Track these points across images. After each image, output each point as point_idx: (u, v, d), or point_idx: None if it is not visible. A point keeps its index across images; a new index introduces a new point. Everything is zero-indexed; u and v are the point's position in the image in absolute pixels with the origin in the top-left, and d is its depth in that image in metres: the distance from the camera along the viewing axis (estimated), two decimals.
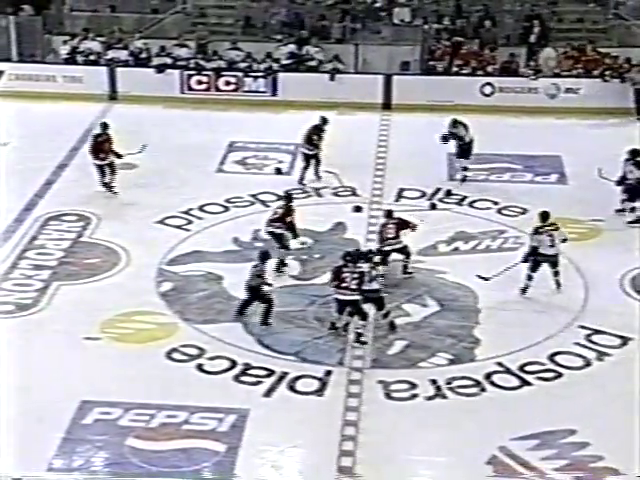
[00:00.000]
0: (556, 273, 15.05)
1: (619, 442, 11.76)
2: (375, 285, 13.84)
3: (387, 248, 15.39)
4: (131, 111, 22.65)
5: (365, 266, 13.87)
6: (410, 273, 15.56)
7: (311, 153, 18.95)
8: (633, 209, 17.21)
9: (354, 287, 13.62)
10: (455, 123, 19.16)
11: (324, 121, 19.09)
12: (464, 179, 18.94)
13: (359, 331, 13.77)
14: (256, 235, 16.79)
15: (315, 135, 18.91)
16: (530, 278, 14.96)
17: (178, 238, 16.62)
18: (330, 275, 14.01)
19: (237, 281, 15.02)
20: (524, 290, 14.99)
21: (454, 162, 19.48)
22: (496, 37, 24.38)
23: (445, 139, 18.95)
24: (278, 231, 15.80)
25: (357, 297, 13.69)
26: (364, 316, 13.80)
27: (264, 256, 14.50)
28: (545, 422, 12.10)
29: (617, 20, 24.90)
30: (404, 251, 15.55)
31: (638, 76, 22.42)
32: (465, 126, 19.14)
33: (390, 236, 15.46)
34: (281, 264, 15.68)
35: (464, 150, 19.10)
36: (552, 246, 14.90)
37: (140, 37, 24.42)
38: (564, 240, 15.06)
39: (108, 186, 18.22)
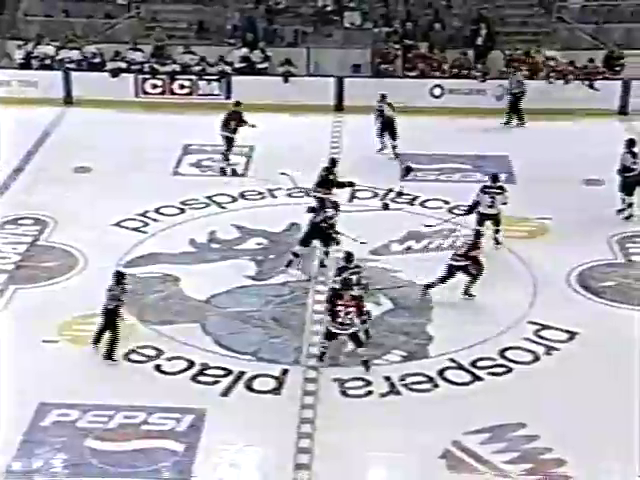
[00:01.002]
0: (497, 231, 16.38)
1: (567, 434, 11.89)
2: (360, 292, 13.62)
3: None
4: (86, 115, 22.46)
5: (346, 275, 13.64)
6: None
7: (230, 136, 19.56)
8: (631, 204, 17.23)
9: (349, 322, 13.05)
10: (383, 98, 19.79)
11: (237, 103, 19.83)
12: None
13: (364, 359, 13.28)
14: (212, 236, 16.74)
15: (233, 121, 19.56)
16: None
17: (135, 240, 16.51)
18: (326, 304, 13.52)
19: (194, 282, 14.98)
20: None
21: (378, 139, 20.09)
22: (445, 40, 24.49)
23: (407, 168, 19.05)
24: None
25: (351, 330, 13.14)
26: (360, 344, 13.27)
27: (119, 277, 13.53)
28: (496, 416, 12.20)
29: (561, 24, 25.13)
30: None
31: (514, 78, 22.49)
32: (390, 105, 19.82)
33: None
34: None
35: (386, 126, 19.76)
36: (491, 206, 16.23)
37: (94, 42, 24.18)
38: (504, 203, 16.32)
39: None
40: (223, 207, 18.00)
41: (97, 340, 13.50)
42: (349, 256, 14.13)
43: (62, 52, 23.73)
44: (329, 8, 25.54)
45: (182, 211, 17.75)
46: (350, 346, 13.31)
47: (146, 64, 23.75)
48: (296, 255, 15.71)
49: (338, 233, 15.66)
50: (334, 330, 13.15)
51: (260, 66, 23.78)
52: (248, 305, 14.69)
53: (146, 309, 14.59)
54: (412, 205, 18.20)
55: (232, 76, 23.20)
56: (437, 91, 23.18)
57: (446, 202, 18.21)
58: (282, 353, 13.59)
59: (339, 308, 13.01)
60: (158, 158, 19.95)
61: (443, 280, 14.79)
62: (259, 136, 20.65)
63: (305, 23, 25.27)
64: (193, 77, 23.51)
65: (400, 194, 18.52)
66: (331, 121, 22.53)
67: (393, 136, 20.21)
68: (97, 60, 23.84)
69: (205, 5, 25.80)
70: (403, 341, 13.86)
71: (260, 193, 18.59)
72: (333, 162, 17.75)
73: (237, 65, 23.74)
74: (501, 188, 16.54)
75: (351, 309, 13.02)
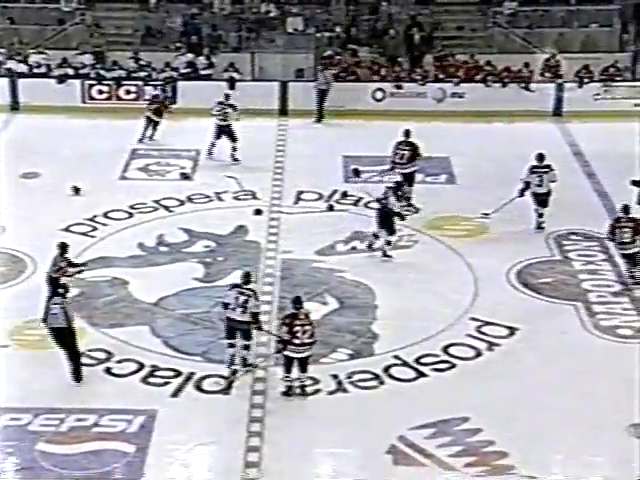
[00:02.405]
0: (540, 215, 16.82)
1: (509, 427, 12.01)
2: (244, 317, 12.84)
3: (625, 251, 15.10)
4: (33, 121, 22.18)
5: (232, 293, 12.87)
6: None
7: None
8: (541, 215, 17.14)
9: (307, 341, 12.48)
10: (227, 98, 20.13)
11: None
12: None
13: (301, 384, 12.70)
14: (160, 240, 16.63)
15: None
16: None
17: (83, 245, 16.33)
18: (281, 326, 12.63)
19: (143, 285, 14.86)
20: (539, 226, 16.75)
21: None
22: (388, 44, 24.60)
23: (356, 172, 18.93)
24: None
25: (309, 353, 12.57)
26: (306, 368, 12.62)
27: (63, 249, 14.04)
28: (440, 411, 12.27)
29: (496, 28, 25.38)
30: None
31: (322, 75, 22.71)
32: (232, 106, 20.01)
33: (627, 240, 15.07)
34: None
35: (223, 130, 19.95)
36: (540, 185, 16.66)
37: (39, 51, 23.86)
38: (553, 181, 16.74)
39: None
40: (171, 211, 17.89)
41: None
42: (247, 276, 13.18)
43: (9, 63, 23.36)
44: (272, 14, 25.53)
45: (130, 215, 17.61)
46: (294, 372, 12.56)
47: (92, 70, 23.51)
48: (376, 236, 16.02)
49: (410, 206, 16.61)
50: (293, 355, 12.45)
51: (205, 72, 23.67)
52: (196, 307, 14.61)
53: (96, 312, 14.45)
54: (356, 206, 18.24)
55: (178, 81, 23.04)
56: (379, 94, 23.26)
57: None
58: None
59: (297, 329, 12.36)
60: (106, 163, 19.76)
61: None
62: (205, 140, 20.60)
63: (249, 29, 25.22)
64: (139, 83, 23.33)
65: (344, 195, 18.55)
66: (275, 125, 22.52)
67: (233, 139, 19.95)
68: (42, 70, 23.54)
69: (149, 11, 25.68)
70: (349, 340, 13.88)
71: (207, 196, 18.51)
72: (407, 133, 18.19)
73: (182, 70, 23.60)
74: (548, 167, 16.84)
75: (308, 327, 12.41)
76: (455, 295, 15.08)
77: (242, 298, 12.83)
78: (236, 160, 19.95)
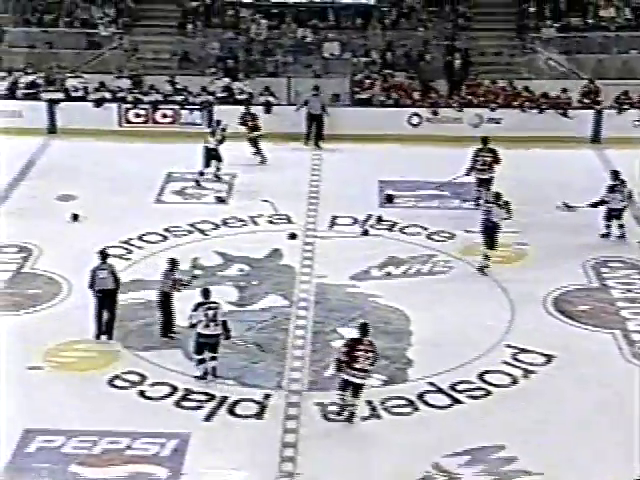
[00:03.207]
0: (621, 226, 17.65)
1: (544, 456, 11.89)
2: (217, 329, 13.30)
3: None
4: (70, 144, 22.45)
5: (200, 311, 13.23)
6: None
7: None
8: (622, 225, 17.72)
9: (368, 368, 12.55)
10: (218, 124, 20.72)
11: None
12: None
13: (351, 409, 12.70)
14: (195, 263, 16.72)
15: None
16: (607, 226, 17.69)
17: (119, 267, 16.41)
18: (342, 350, 12.68)
19: (177, 308, 14.91)
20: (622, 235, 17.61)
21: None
22: (424, 70, 24.66)
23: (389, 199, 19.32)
24: None
25: (368, 381, 12.63)
26: (359, 394, 12.66)
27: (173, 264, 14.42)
28: (476, 439, 12.20)
29: (534, 54, 25.36)
30: None
31: (313, 99, 22.73)
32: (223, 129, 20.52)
33: None
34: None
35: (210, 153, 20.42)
36: (622, 200, 17.55)
37: (77, 75, 24.14)
38: (630, 197, 17.85)
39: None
40: (206, 234, 18.00)
41: (165, 332, 14.17)
42: (206, 292, 13.53)
43: (45, 95, 23.61)
44: (308, 39, 25.70)
45: (165, 238, 17.74)
46: (348, 396, 12.62)
47: (129, 94, 23.78)
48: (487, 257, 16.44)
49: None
50: (352, 379, 12.47)
51: (240, 96, 23.85)
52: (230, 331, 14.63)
53: (130, 335, 14.54)
54: (391, 231, 18.25)
55: (214, 105, 23.22)
56: (415, 119, 23.31)
57: (425, 228, 18.27)
58: (264, 378, 13.56)
59: (359, 353, 12.43)
60: (141, 186, 19.94)
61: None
62: (240, 164, 20.75)
63: (285, 53, 25.41)
64: (175, 107, 23.55)
65: (380, 220, 18.57)
66: (311, 148, 22.61)
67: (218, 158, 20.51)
68: (79, 94, 23.82)
69: (186, 36, 25.95)
70: (384, 365, 13.82)
71: (242, 220, 18.61)
72: (486, 140, 19.22)
73: (218, 95, 23.80)
74: (623, 181, 17.79)
75: (371, 354, 12.49)
76: (491, 321, 15.01)
77: (211, 312, 13.29)
78: (219, 178, 20.44)
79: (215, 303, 13.47)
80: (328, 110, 22.81)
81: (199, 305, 13.43)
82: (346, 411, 12.64)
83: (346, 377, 12.52)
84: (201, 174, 20.46)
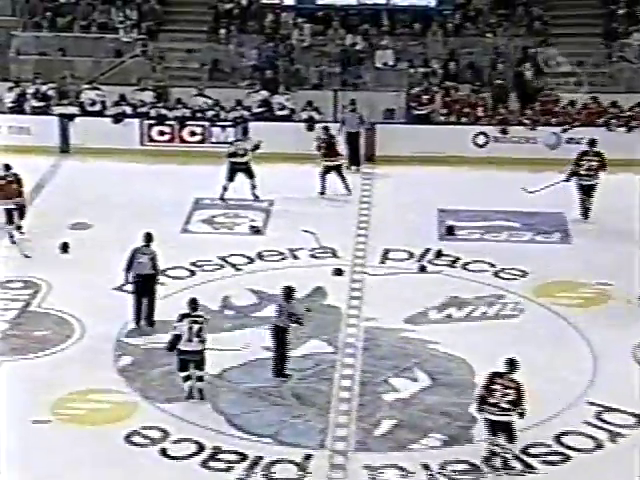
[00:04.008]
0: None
1: None
2: (200, 345, 14.02)
3: None
4: (85, 166, 22.76)
5: (184, 323, 13.95)
6: None
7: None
8: None
9: (504, 405, 12.71)
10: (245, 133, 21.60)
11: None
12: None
13: (503, 454, 12.88)
14: (226, 302, 16.80)
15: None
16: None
17: None
18: (481, 385, 13.05)
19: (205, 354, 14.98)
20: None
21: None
22: (496, 83, 24.68)
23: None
24: None
25: (510, 418, 12.80)
26: (513, 438, 12.88)
27: (289, 292, 14.73)
28: None
29: (623, 63, 25.24)
30: None
31: (350, 115, 22.91)
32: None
33: None
34: None
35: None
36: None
37: (94, 86, 24.43)
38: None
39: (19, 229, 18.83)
40: (238, 269, 18.09)
41: (279, 372, 14.51)
42: (194, 302, 14.32)
43: (57, 109, 24.00)
44: (358, 46, 25.84)
45: (192, 273, 17.86)
46: (501, 439, 12.82)
47: (153, 109, 24.02)
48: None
49: None
50: (490, 417, 12.75)
51: (280, 112, 24.02)
52: (266, 380, 14.68)
53: (150, 384, 14.60)
54: (453, 267, 18.22)
55: (249, 122, 23.42)
56: (481, 139, 23.32)
57: (491, 265, 18.22)
58: (305, 435, 13.56)
59: (496, 387, 12.69)
60: (166, 213, 20.11)
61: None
62: (279, 190, 20.85)
63: (331, 63, 25.57)
64: (205, 123, 23.75)
65: (439, 255, 18.54)
66: (360, 172, 22.69)
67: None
68: (96, 108, 24.14)
69: (219, 43, 26.19)
70: (443, 423, 13.77)
71: (280, 253, 18.68)
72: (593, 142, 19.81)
73: (255, 110, 23.99)
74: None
75: (510, 391, 12.63)
76: (570, 374, 14.89)
77: (196, 327, 13.93)
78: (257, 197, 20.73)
79: (201, 317, 14.14)
80: (371, 125, 23.06)
81: (184, 316, 14.03)
82: (497, 458, 12.76)
83: (486, 415, 12.79)
84: (224, 189, 20.79)
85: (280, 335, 14.64)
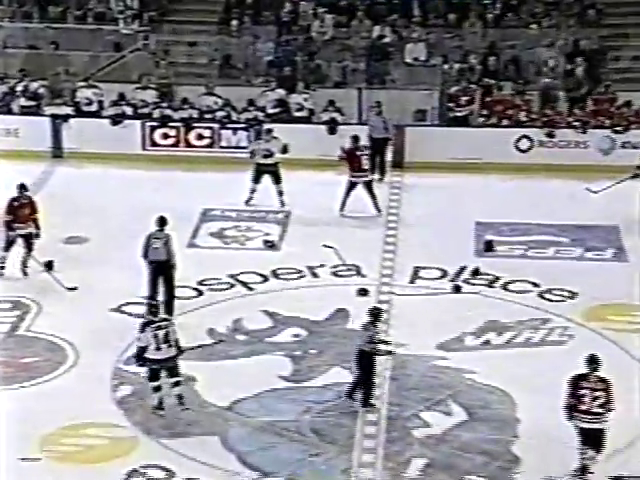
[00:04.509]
0: None
1: None
2: (170, 351, 14.46)
3: None
4: (80, 172, 22.87)
5: (148, 333, 14.36)
6: None
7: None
8: None
9: (597, 410, 12.97)
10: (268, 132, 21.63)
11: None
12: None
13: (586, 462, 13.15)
14: (237, 326, 16.84)
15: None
16: None
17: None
18: (567, 392, 13.22)
19: (213, 383, 15.01)
20: None
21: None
22: (545, 81, 24.68)
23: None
24: None
25: (603, 425, 13.05)
26: (601, 446, 13.10)
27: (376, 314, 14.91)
28: None
29: None
30: None
31: (374, 119, 22.93)
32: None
33: None
34: None
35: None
36: None
37: (90, 84, 24.54)
38: None
39: (24, 265, 18.44)
40: (251, 288, 18.14)
41: (350, 394, 14.69)
42: (154, 307, 14.96)
43: (49, 109, 24.14)
44: (386, 39, 25.89)
45: (199, 293, 17.93)
46: (590, 452, 13.04)
47: (156, 109, 24.11)
48: None
49: None
50: (581, 424, 12.97)
51: (299, 112, 24.09)
52: (282, 414, 14.70)
53: (152, 418, 14.62)
54: (492, 287, 18.24)
55: (264, 124, 23.50)
56: (524, 143, 23.33)
57: (536, 284, 18.22)
58: (326, 476, 13.57)
59: (583, 392, 12.92)
60: (170, 226, 20.07)
61: None
62: (297, 200, 20.90)
63: (356, 58, 25.64)
64: (215, 125, 23.86)
65: (476, 273, 18.56)
66: (387, 181, 22.75)
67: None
68: (93, 108, 24.26)
69: (230, 35, 26.26)
70: (481, 463, 13.76)
71: (298, 271, 18.74)
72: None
73: (270, 111, 24.07)
74: None
75: (600, 393, 12.92)
76: (625, 410, 14.77)
77: (162, 333, 14.45)
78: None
79: (165, 321, 14.68)
80: (398, 129, 23.17)
81: (146, 325, 14.58)
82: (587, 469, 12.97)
83: (577, 423, 12.96)
84: (253, 191, 21.20)
85: (366, 361, 14.70)
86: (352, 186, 21.06)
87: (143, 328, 14.56)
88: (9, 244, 18.53)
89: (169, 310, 16.59)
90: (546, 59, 25.02)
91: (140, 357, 14.56)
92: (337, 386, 15.35)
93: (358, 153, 21.14)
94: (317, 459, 13.86)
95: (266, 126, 22.51)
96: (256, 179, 21.25)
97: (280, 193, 21.22)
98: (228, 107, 24.19)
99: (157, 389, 14.54)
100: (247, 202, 21.31)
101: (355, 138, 21.30)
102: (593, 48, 25.20)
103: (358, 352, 14.81)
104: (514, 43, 25.66)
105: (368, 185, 21.13)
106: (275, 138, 21.45)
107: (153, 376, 14.52)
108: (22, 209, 18.59)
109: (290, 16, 26.51)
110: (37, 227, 18.53)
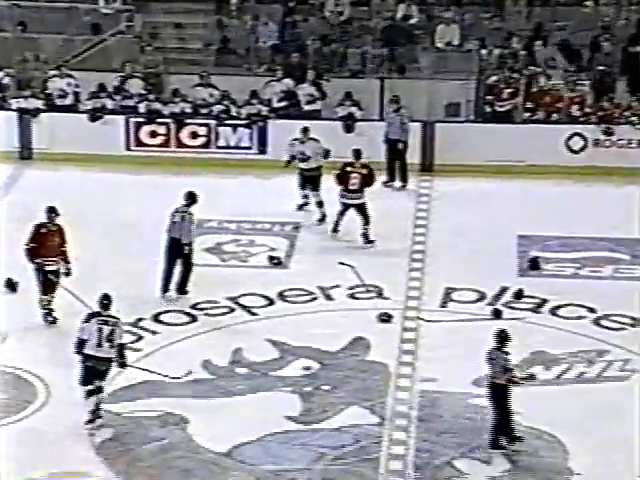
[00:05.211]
0: None
1: None
2: (110, 353, 14.91)
3: None
4: (54, 176, 22.92)
5: (92, 325, 14.86)
6: None
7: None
8: None
9: None
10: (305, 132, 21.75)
11: None
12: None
13: None
14: (237, 357, 16.84)
15: None
16: None
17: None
18: None
19: (209, 425, 15.00)
20: None
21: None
22: (593, 67, 24.72)
23: None
24: None
25: None
26: None
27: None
28: None
29: None
30: None
31: (392, 116, 23.11)
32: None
33: None
34: None
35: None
36: None
37: (64, 73, 24.60)
38: None
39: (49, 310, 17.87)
40: (254, 313, 18.15)
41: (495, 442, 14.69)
42: (107, 298, 15.27)
43: (16, 102, 24.23)
44: (413, 20, 25.92)
45: (193, 319, 17.94)
46: None
47: (142, 102, 24.17)
48: None
49: None
50: None
51: (310, 106, 24.12)
52: (290, 461, 14.67)
53: (138, 465, 14.61)
54: (538, 312, 18.23)
55: (269, 120, 23.53)
56: (576, 143, 23.34)
57: (590, 309, 18.22)
58: None
59: None
60: (158, 239, 20.17)
61: None
62: (308, 209, 20.92)
63: (377, 42, 25.67)
64: (211, 122, 23.91)
65: (519, 296, 18.55)
66: (415, 186, 22.79)
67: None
68: (67, 102, 24.31)
69: (229, 17, 26.31)
70: None
71: (309, 293, 18.77)
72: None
73: (276, 104, 24.11)
74: None
75: None
76: None
77: (107, 329, 14.93)
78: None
79: (114, 318, 15.13)
80: (431, 125, 23.55)
81: (92, 316, 15.11)
82: None
83: None
84: (305, 197, 21.68)
85: (500, 395, 14.66)
86: (345, 207, 20.87)
87: (89, 319, 15.04)
88: (46, 283, 17.76)
89: (181, 291, 18.33)
90: (602, 43, 25.04)
91: (79, 348, 14.91)
92: (354, 428, 15.33)
93: (348, 169, 20.78)
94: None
95: (303, 124, 22.36)
96: (302, 186, 21.55)
97: (319, 204, 21.26)
98: (226, 100, 24.28)
99: (91, 393, 14.88)
100: (300, 208, 21.65)
101: (357, 152, 20.98)
102: None
103: (490, 385, 14.74)
104: (564, 24, 25.68)
105: (360, 208, 20.70)
106: (312, 139, 21.52)
107: (87, 377, 14.89)
108: (51, 238, 17.88)
109: None
110: (67, 261, 17.80)
